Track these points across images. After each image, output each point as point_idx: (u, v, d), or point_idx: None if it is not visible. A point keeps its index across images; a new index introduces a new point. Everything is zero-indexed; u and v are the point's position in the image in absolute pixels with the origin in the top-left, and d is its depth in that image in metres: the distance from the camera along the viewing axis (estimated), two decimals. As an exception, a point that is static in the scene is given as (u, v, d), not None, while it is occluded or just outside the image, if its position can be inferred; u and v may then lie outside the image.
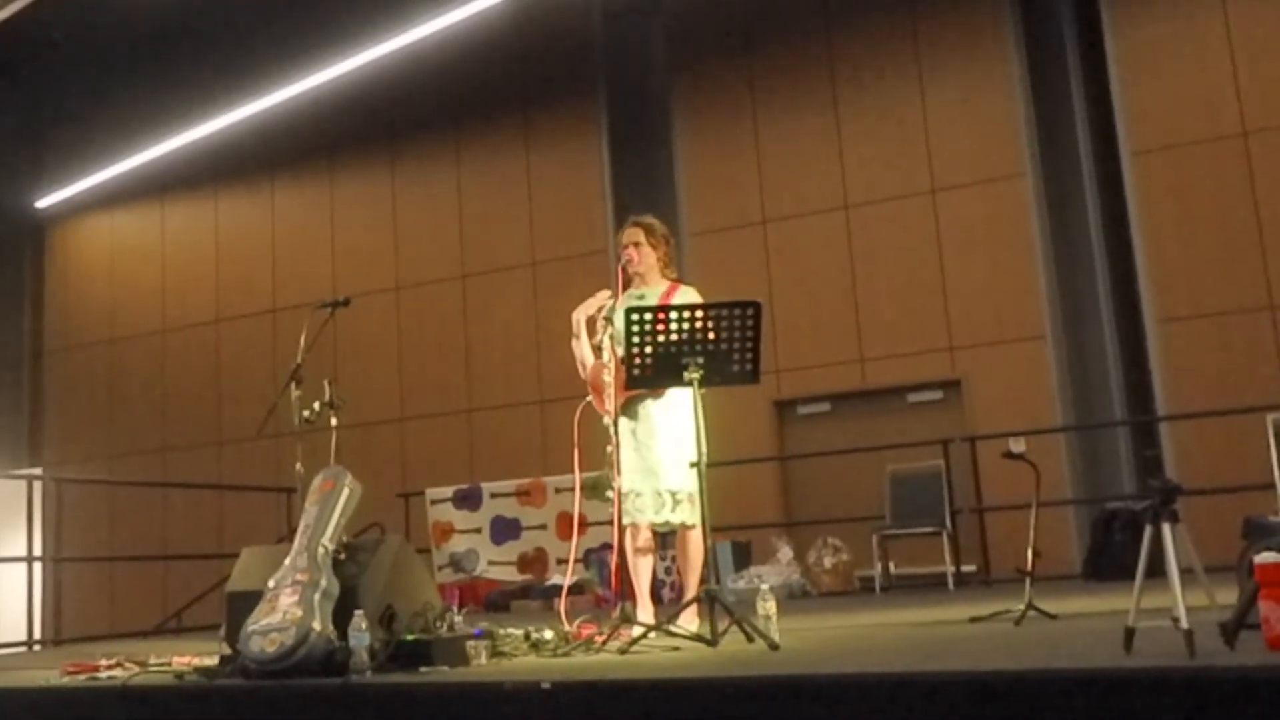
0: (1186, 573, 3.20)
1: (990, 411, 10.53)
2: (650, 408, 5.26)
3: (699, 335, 4.69)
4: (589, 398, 5.40)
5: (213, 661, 4.66)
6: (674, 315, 4.72)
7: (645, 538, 5.28)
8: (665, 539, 6.11)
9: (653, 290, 5.41)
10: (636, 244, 5.46)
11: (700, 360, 4.69)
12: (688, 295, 5.37)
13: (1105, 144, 10.67)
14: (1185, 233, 10.31)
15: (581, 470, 5.34)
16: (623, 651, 4.49)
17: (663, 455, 5.19)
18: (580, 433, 5.28)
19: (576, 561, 9.50)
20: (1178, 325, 10.23)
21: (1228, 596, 3.34)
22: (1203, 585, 3.38)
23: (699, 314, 4.73)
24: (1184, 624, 3.05)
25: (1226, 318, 10.03)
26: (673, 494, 5.18)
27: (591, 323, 5.44)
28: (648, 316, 4.71)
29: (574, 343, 5.44)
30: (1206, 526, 5.23)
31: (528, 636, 4.79)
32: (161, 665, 4.98)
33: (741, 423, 10.34)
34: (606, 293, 5.43)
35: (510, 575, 10.05)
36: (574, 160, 12.78)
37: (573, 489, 5.44)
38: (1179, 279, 10.29)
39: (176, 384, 14.67)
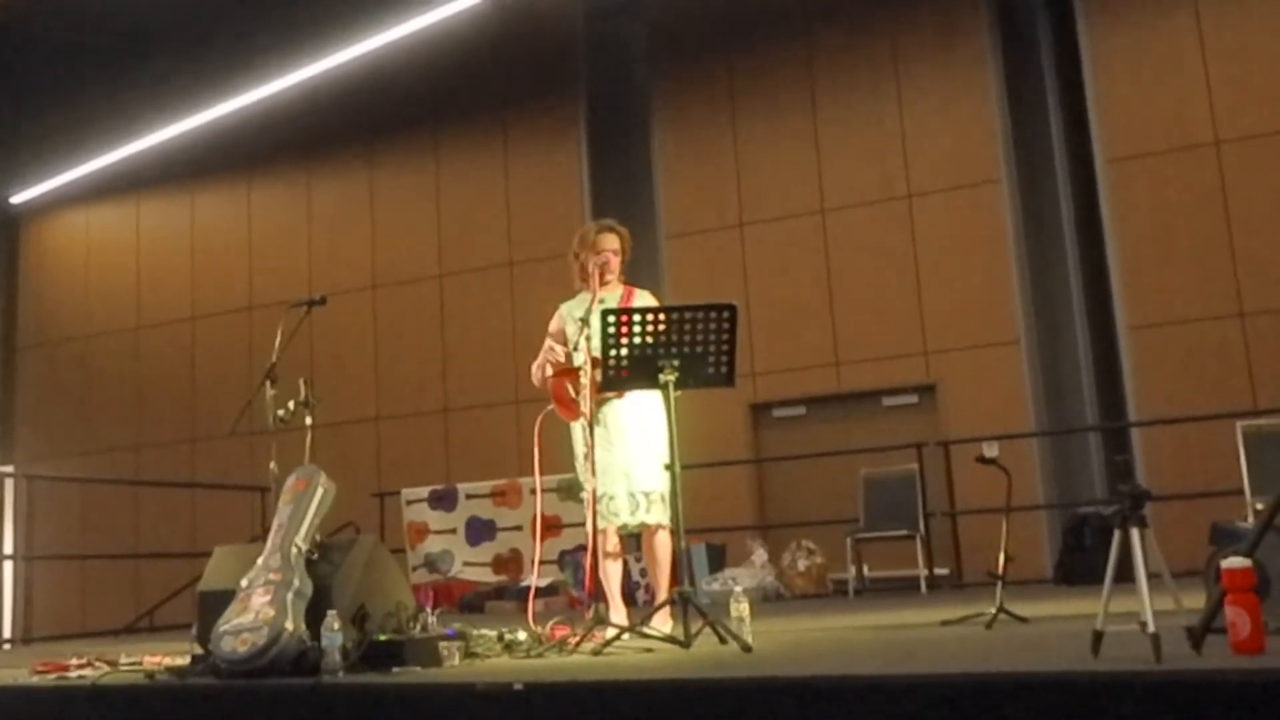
0: (1154, 577, 3.23)
1: (964, 416, 10.58)
2: (621, 410, 5.27)
3: (675, 338, 4.70)
4: (552, 405, 5.42)
5: (184, 661, 4.63)
6: (649, 318, 4.73)
7: (614, 542, 5.30)
8: (639, 541, 6.12)
9: (612, 295, 5.43)
10: (615, 251, 5.48)
11: (676, 363, 4.69)
12: (645, 299, 5.42)
13: (1080, 151, 10.76)
14: (1158, 240, 10.40)
15: (548, 474, 5.35)
16: (596, 653, 4.49)
17: (634, 457, 5.21)
18: (542, 438, 5.29)
19: (551, 563, 9.52)
20: (1150, 332, 10.32)
21: (1195, 601, 3.37)
22: (1170, 590, 3.42)
23: (675, 316, 4.74)
24: (1151, 628, 3.08)
25: (1198, 325, 10.12)
26: (645, 495, 5.20)
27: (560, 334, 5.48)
28: (623, 319, 4.72)
29: (544, 364, 5.46)
30: (1176, 532, 5.28)
31: (501, 638, 4.79)
32: (132, 664, 4.95)
33: (717, 425, 10.36)
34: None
35: (485, 576, 10.05)
36: (553, 161, 12.78)
37: (549, 490, 5.46)
38: (1151, 286, 10.38)
39: (151, 381, 14.58)
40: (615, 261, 5.45)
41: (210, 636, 4.31)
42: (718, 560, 10.12)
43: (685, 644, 4.43)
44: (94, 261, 15.31)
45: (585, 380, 5.15)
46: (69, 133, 14.86)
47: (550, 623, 5.08)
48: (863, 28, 11.74)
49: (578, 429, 5.33)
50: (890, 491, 9.63)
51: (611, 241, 5.48)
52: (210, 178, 14.63)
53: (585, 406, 5.14)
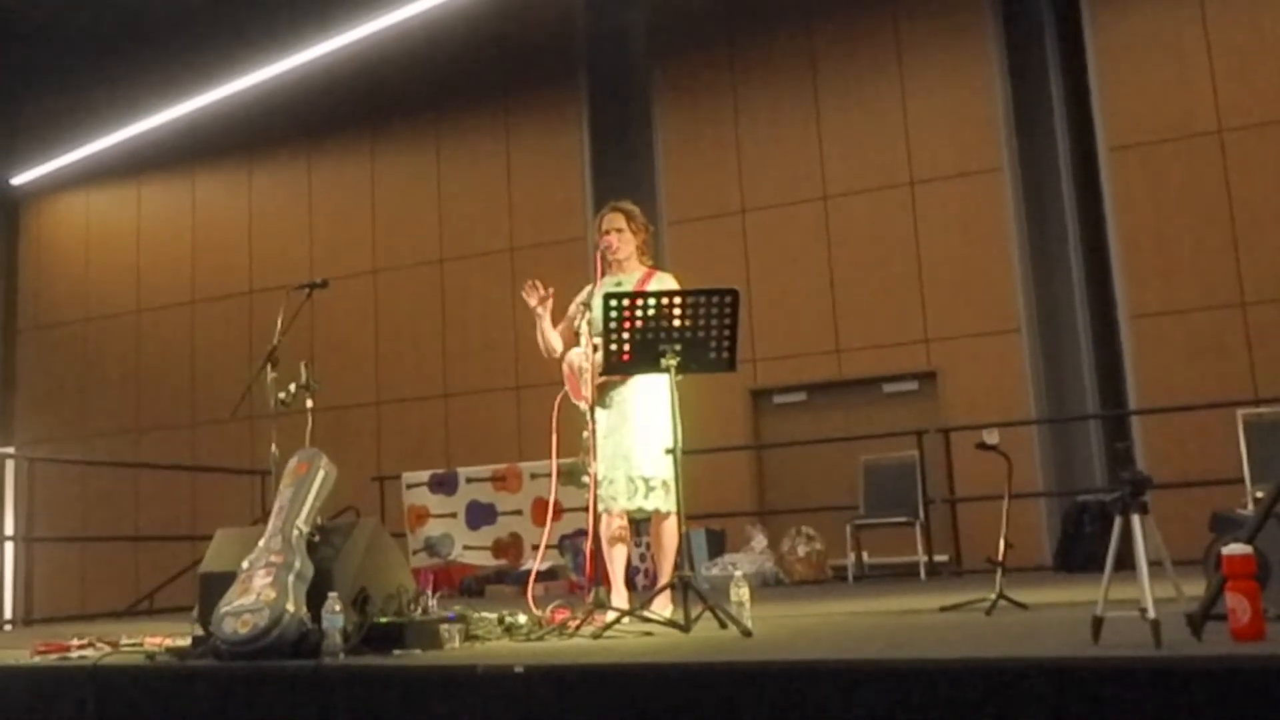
0: (1155, 564, 3.24)
1: (964, 403, 10.59)
2: (624, 394, 5.26)
3: (677, 322, 4.70)
4: (567, 387, 5.41)
5: (185, 642, 4.64)
6: (652, 302, 4.72)
7: (619, 524, 5.28)
8: (640, 525, 6.13)
9: (630, 276, 5.41)
10: (618, 230, 5.45)
11: (677, 347, 4.70)
12: (664, 281, 5.36)
13: (1082, 139, 10.75)
14: (1160, 229, 10.39)
15: (558, 457, 5.35)
16: (596, 636, 4.51)
17: (635, 442, 5.20)
18: (559, 421, 5.28)
19: (551, 547, 9.53)
20: (1151, 320, 10.31)
21: (1195, 589, 3.38)
22: (1170, 577, 3.42)
23: (677, 301, 4.74)
24: (1151, 614, 3.09)
25: (1199, 314, 10.12)
26: (645, 480, 5.18)
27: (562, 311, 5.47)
28: (625, 302, 4.72)
29: (538, 331, 5.45)
30: (1175, 520, 5.28)
31: (501, 620, 4.80)
32: (133, 646, 4.96)
33: (718, 411, 10.38)
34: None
35: (485, 560, 10.06)
36: (554, 147, 12.76)
37: (548, 475, 5.46)
38: (1153, 274, 10.37)
39: (151, 365, 14.58)
40: (615, 241, 5.42)
41: (211, 618, 4.32)
42: (717, 545, 10.13)
43: (685, 628, 4.44)
44: (94, 244, 15.30)
45: (587, 364, 5.15)
46: (69, 115, 14.83)
47: (550, 606, 5.09)
48: (865, 14, 11.70)
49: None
50: (890, 478, 9.64)
51: (611, 222, 5.47)
52: (211, 161, 14.60)
53: (587, 390, 5.15)
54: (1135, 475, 3.28)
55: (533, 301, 5.38)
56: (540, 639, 4.60)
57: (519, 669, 3.45)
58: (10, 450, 14.21)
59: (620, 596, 5.19)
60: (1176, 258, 10.28)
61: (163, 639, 4.99)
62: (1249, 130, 10.13)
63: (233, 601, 4.29)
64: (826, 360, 11.39)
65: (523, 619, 4.85)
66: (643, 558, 8.79)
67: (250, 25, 13.32)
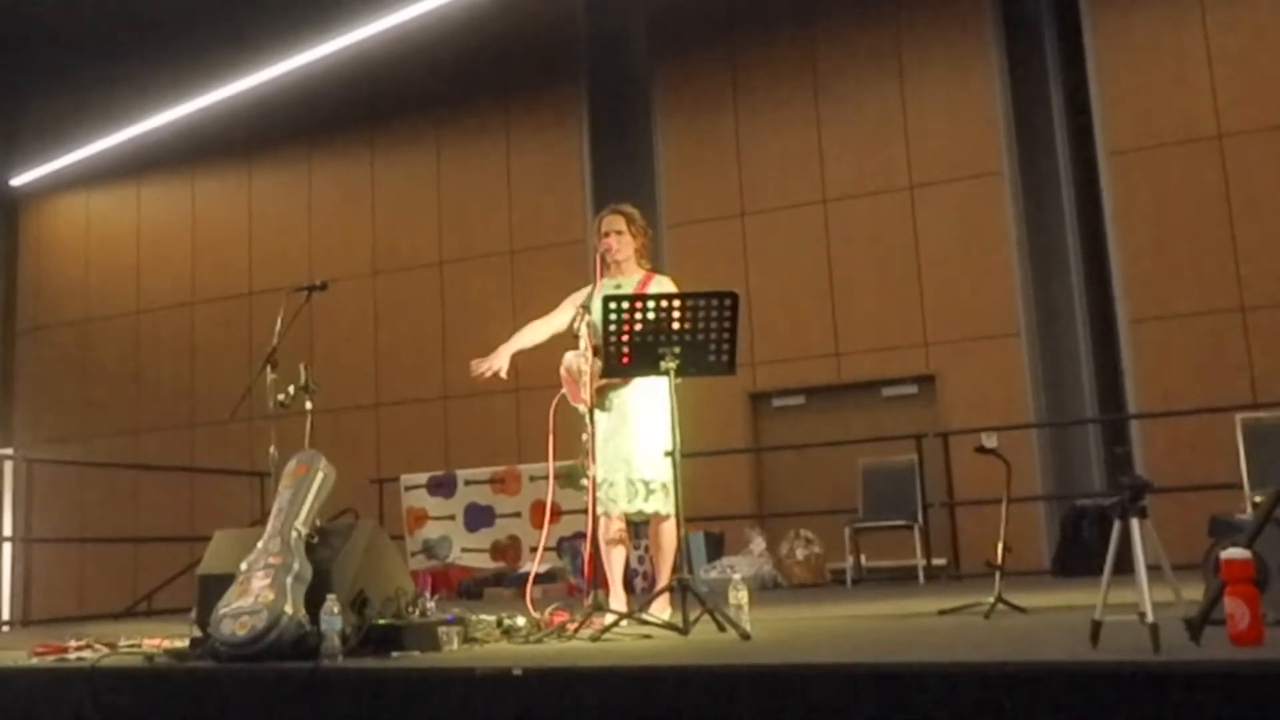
0: (1154, 569, 3.24)
1: (963, 407, 10.59)
2: (624, 397, 5.26)
3: (676, 325, 4.70)
4: (564, 390, 5.40)
5: (183, 644, 4.64)
6: (651, 304, 4.72)
7: (618, 527, 5.28)
8: (639, 529, 6.12)
9: (629, 279, 5.41)
10: (618, 232, 5.44)
11: (677, 350, 4.70)
12: (664, 285, 5.36)
13: (1082, 144, 10.75)
14: (1159, 233, 10.40)
15: (555, 459, 5.35)
16: (594, 639, 4.51)
17: (635, 444, 5.20)
18: (555, 423, 5.28)
19: (549, 550, 9.52)
20: (1150, 325, 10.32)
21: (1193, 593, 3.38)
22: (1169, 581, 3.42)
23: (677, 304, 4.74)
24: (1150, 619, 3.09)
25: (1198, 318, 10.12)
26: (645, 483, 5.18)
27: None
28: (625, 305, 4.72)
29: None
30: (1174, 524, 5.29)
31: (500, 623, 4.80)
32: (131, 647, 4.96)
33: (716, 414, 10.37)
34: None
35: (483, 563, 10.05)
36: (554, 149, 12.76)
37: (547, 477, 5.46)
38: (1152, 279, 10.37)
39: (150, 366, 14.58)
40: (616, 243, 5.42)
41: (210, 620, 4.32)
42: (715, 549, 10.12)
43: (684, 631, 4.45)
44: (94, 245, 15.29)
45: (586, 366, 5.15)
46: (70, 115, 14.83)
47: (549, 609, 5.09)
48: (865, 17, 11.71)
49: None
50: (889, 482, 9.63)
51: (612, 224, 5.47)
52: (211, 162, 14.60)
53: (585, 393, 5.14)
54: (1134, 479, 3.29)
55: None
56: (539, 641, 4.60)
57: (517, 671, 3.45)
58: (9, 451, 14.20)
59: (619, 599, 5.18)
60: (1176, 262, 10.29)
61: (161, 641, 4.99)
62: (1249, 135, 10.14)
63: (231, 603, 4.29)
64: (826, 364, 11.39)
65: (521, 621, 4.85)
66: (641, 560, 8.78)
67: (251, 26, 13.32)
